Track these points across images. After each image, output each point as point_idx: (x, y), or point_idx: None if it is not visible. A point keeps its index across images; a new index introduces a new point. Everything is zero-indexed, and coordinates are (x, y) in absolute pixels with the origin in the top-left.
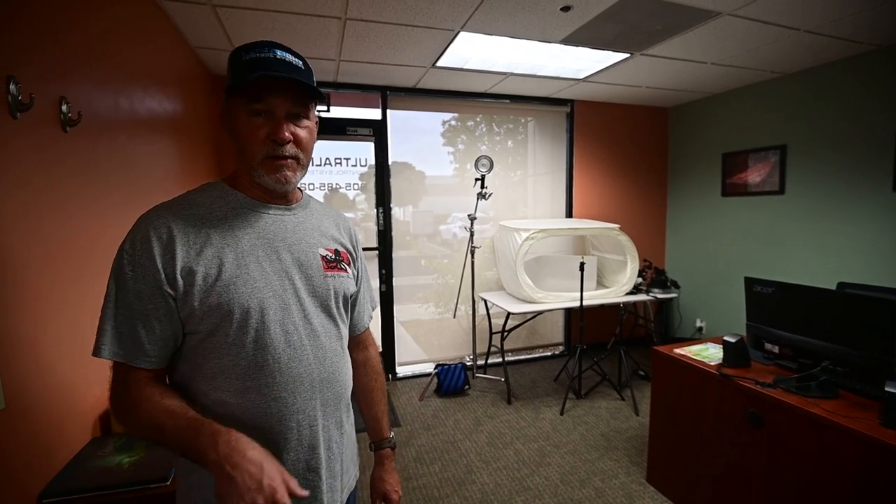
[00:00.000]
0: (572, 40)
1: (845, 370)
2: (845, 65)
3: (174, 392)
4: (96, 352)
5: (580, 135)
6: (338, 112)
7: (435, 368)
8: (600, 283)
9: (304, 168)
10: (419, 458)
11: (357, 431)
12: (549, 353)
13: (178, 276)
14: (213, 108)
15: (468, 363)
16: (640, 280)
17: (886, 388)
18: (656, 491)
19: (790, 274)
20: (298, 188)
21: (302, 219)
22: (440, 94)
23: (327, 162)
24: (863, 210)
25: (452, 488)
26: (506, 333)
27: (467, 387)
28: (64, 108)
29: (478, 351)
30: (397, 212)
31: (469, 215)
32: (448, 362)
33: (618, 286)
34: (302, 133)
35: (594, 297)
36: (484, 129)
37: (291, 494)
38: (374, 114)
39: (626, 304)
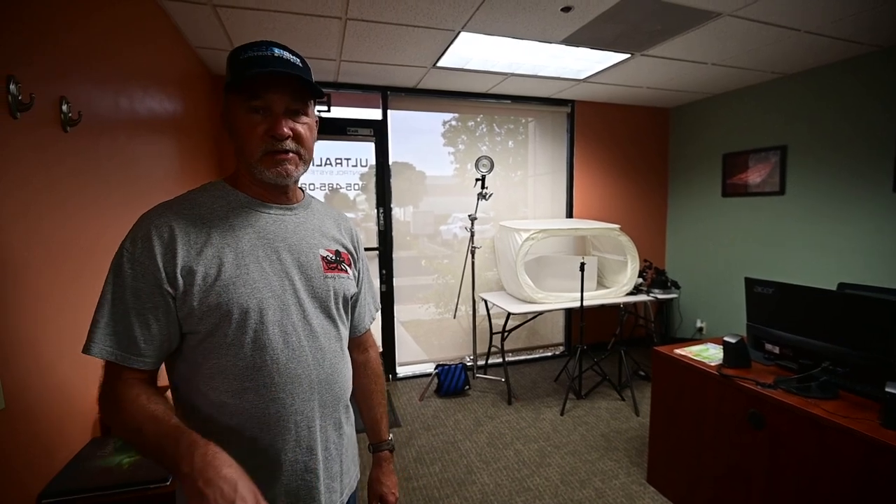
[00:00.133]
0: (573, 41)
1: (845, 371)
2: (846, 65)
3: (162, 397)
4: (86, 349)
5: (581, 135)
6: (338, 112)
7: (435, 369)
8: (601, 284)
9: (306, 163)
10: (419, 458)
11: (357, 432)
12: (549, 354)
13: (179, 276)
14: (214, 107)
15: (468, 363)
16: (640, 280)
17: (887, 389)
18: (657, 491)
19: (790, 274)
20: (300, 188)
21: (303, 219)
22: (441, 94)
23: (328, 162)
24: (863, 211)
25: (453, 489)
26: (506, 334)
27: (467, 387)
28: (64, 107)
29: (478, 351)
30: (398, 212)
31: (469, 215)
32: (448, 363)
33: (618, 286)
34: (301, 129)
35: (594, 297)
36: (484, 130)
37: None
38: (374, 114)
39: (626, 304)
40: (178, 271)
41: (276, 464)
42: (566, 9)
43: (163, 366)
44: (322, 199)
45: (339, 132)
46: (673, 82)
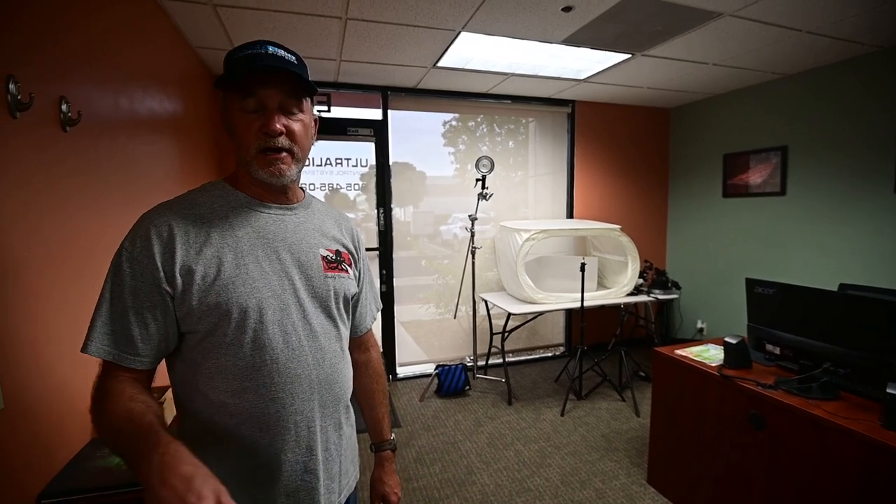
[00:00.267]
0: (573, 41)
1: (846, 371)
2: (846, 66)
3: (149, 397)
4: (84, 348)
5: (581, 135)
6: (338, 112)
7: (435, 369)
8: (601, 284)
9: (300, 162)
10: (419, 458)
11: (357, 432)
12: (549, 354)
13: (178, 275)
14: (214, 107)
15: (469, 364)
16: (640, 281)
17: (888, 390)
18: (657, 492)
19: (791, 275)
20: (301, 188)
21: (303, 219)
22: (441, 94)
23: (328, 162)
24: (864, 211)
25: (453, 489)
26: (506, 334)
27: (468, 387)
28: (64, 107)
29: (478, 352)
30: (398, 212)
31: (470, 216)
32: (448, 363)
33: (618, 287)
34: (295, 126)
35: (595, 297)
36: (485, 130)
37: None
38: (374, 114)
39: (626, 304)
40: (177, 271)
41: (275, 464)
42: (567, 9)
43: (164, 366)
44: (322, 199)
45: (339, 132)
46: (673, 82)
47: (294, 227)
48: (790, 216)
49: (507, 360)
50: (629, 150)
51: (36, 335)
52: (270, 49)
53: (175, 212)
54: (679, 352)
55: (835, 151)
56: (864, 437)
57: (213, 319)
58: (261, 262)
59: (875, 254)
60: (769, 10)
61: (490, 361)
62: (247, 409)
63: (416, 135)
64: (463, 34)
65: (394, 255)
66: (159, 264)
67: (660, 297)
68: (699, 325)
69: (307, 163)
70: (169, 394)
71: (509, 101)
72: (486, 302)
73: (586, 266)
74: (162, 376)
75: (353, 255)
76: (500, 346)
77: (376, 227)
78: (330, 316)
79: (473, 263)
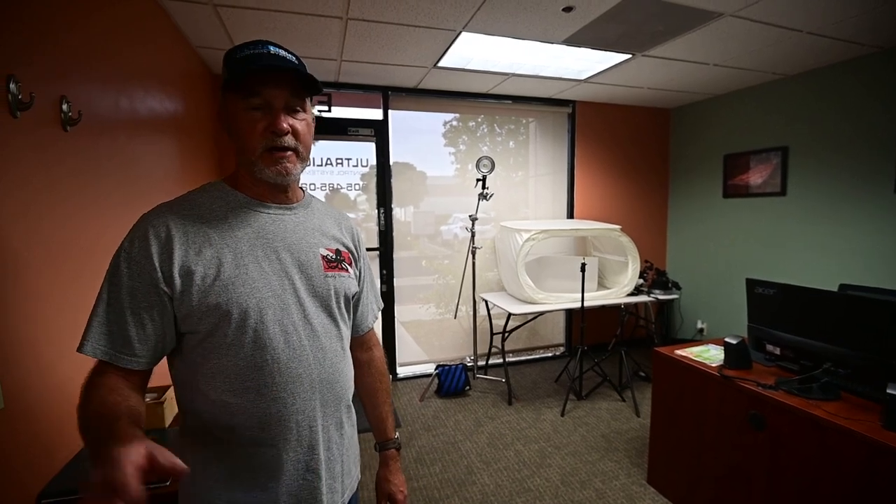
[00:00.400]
0: (574, 41)
1: (847, 372)
2: (847, 66)
3: (133, 395)
4: (80, 347)
5: (581, 136)
6: (339, 112)
7: (436, 369)
8: (601, 284)
9: (304, 161)
10: (420, 458)
11: (359, 432)
12: (549, 354)
13: (176, 276)
14: (215, 107)
15: (469, 364)
16: (641, 281)
17: (888, 391)
18: (657, 492)
19: (791, 275)
20: (301, 188)
21: (303, 218)
22: (441, 94)
23: (328, 162)
24: (864, 212)
25: (453, 489)
26: (507, 334)
27: (468, 388)
28: (64, 107)
29: (478, 352)
30: (398, 212)
31: (470, 216)
32: (449, 363)
33: (619, 287)
34: (300, 126)
35: (595, 298)
36: (485, 130)
37: (172, 476)
38: (375, 114)
39: (627, 305)
40: (176, 271)
41: (277, 463)
42: (567, 9)
43: (164, 366)
44: (322, 199)
45: (339, 132)
46: (674, 83)
47: (294, 226)
48: (790, 216)
49: (507, 360)
50: (630, 150)
51: (36, 335)
52: (272, 49)
53: (174, 212)
54: (679, 352)
55: (835, 152)
56: (865, 437)
57: (214, 320)
58: (260, 262)
59: (875, 254)
60: (770, 11)
61: (490, 361)
62: (248, 409)
63: (417, 135)
64: (463, 34)
65: (394, 255)
66: (157, 265)
67: (660, 297)
68: (699, 325)
69: (308, 162)
70: (169, 393)
71: (510, 102)
72: (486, 302)
73: (587, 266)
74: (163, 376)
75: (353, 255)
76: (500, 346)
77: (377, 227)
78: (331, 315)
79: (474, 263)
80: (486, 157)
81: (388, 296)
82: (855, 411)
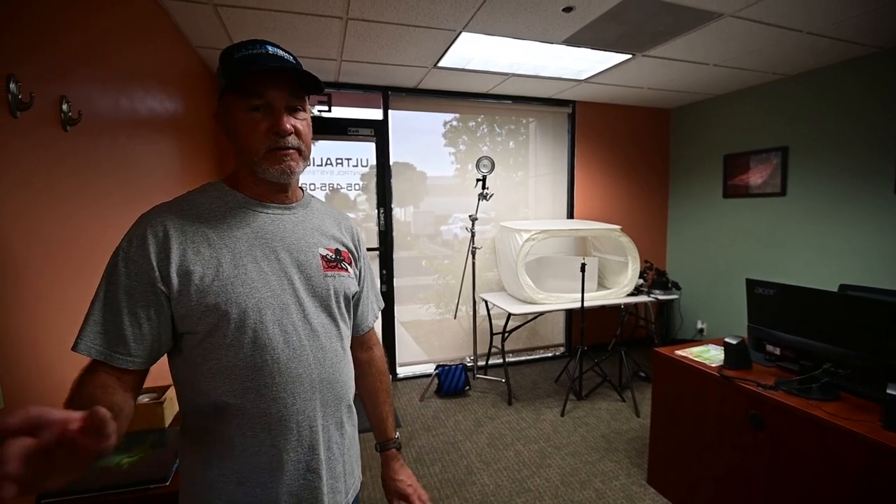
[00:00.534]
0: (574, 41)
1: (847, 372)
2: (847, 67)
3: (119, 395)
4: (74, 346)
5: (582, 136)
6: (339, 112)
7: (435, 369)
8: (601, 285)
9: (306, 160)
10: (419, 458)
11: (360, 432)
12: (549, 355)
13: (174, 275)
14: (214, 107)
15: (469, 364)
16: (641, 281)
17: (888, 391)
18: (657, 493)
19: (791, 276)
20: (300, 187)
21: (302, 218)
22: (442, 94)
23: (328, 162)
24: (864, 212)
25: (453, 489)
26: (506, 334)
27: (468, 388)
28: (64, 107)
29: (478, 352)
30: (398, 212)
31: (470, 216)
32: (449, 363)
33: (619, 287)
34: (300, 125)
35: (595, 298)
36: (485, 130)
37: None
38: (375, 114)
39: (627, 305)
40: (174, 271)
41: (277, 463)
42: (567, 9)
43: (165, 366)
44: (322, 199)
45: (339, 132)
46: (674, 83)
47: (293, 226)
48: (790, 217)
49: (507, 360)
50: (630, 150)
51: (36, 335)
52: (269, 49)
53: (173, 212)
54: (679, 352)
55: (835, 152)
56: (865, 437)
57: (213, 320)
58: (259, 262)
59: (875, 254)
60: (770, 11)
61: (490, 361)
62: (248, 409)
63: (417, 135)
64: (464, 34)
65: (394, 255)
66: (154, 264)
67: (660, 297)
68: (699, 325)
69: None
70: (169, 393)
71: (510, 102)
72: (486, 302)
73: (586, 266)
74: (163, 375)
75: (353, 254)
76: (500, 347)
77: (376, 227)
78: (330, 315)
79: (474, 263)
80: (486, 158)
81: (388, 296)
82: (855, 412)
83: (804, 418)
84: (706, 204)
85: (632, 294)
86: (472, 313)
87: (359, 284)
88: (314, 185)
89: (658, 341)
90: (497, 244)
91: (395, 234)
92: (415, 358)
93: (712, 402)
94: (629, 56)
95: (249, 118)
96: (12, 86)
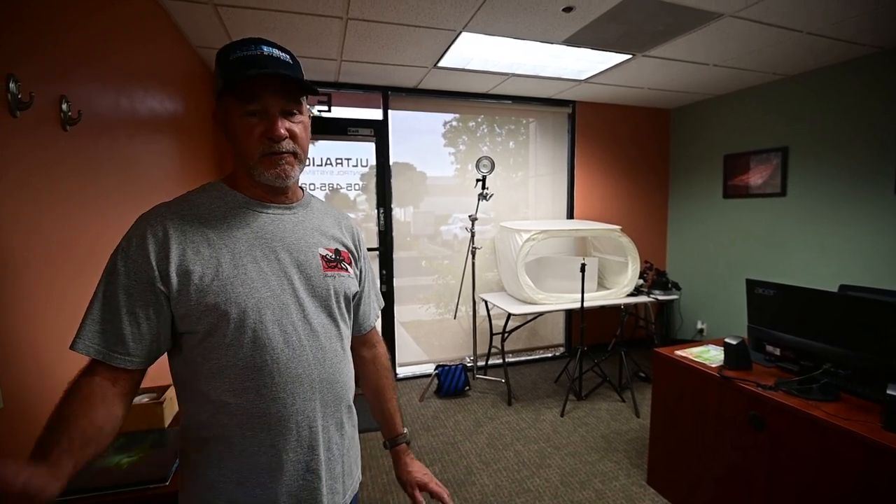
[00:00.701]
0: (574, 41)
1: (847, 373)
2: (847, 67)
3: (109, 408)
4: (72, 345)
5: (582, 136)
6: (339, 112)
7: (435, 369)
8: (601, 285)
9: (303, 163)
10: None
11: (360, 432)
12: (549, 355)
13: (173, 275)
14: (213, 107)
15: (468, 364)
16: (641, 281)
17: (888, 391)
18: (657, 493)
19: (791, 276)
20: (300, 187)
21: (302, 218)
22: (441, 94)
23: (328, 162)
24: (864, 212)
25: (452, 489)
26: (506, 335)
27: (467, 388)
28: (64, 106)
29: (478, 352)
30: (398, 212)
31: (470, 216)
32: (448, 363)
33: (619, 287)
34: (297, 128)
35: (595, 298)
36: (485, 130)
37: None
38: (375, 114)
39: (626, 305)
40: (173, 271)
41: (277, 464)
42: (567, 9)
43: (166, 366)
44: (322, 199)
45: (339, 132)
46: (674, 83)
47: (293, 226)
48: (790, 217)
49: (507, 360)
50: (630, 150)
51: (35, 335)
52: (266, 50)
53: (172, 212)
54: (679, 352)
55: (835, 152)
56: (865, 438)
57: (212, 320)
58: (259, 262)
59: (875, 254)
60: (770, 11)
61: (490, 362)
62: (248, 409)
63: (417, 135)
64: (464, 34)
65: (394, 256)
66: (154, 263)
67: (660, 297)
68: (699, 325)
69: (307, 163)
70: (169, 393)
71: (510, 102)
72: (486, 302)
73: (586, 266)
74: (163, 375)
75: (353, 254)
76: (500, 347)
77: (376, 228)
78: (331, 315)
79: (473, 264)
80: (486, 158)
81: (387, 296)
82: (855, 412)
83: (804, 419)
84: (706, 204)
85: (632, 294)
86: (471, 313)
87: (359, 284)
88: (314, 185)
89: (658, 342)
90: (497, 244)
91: (394, 234)
92: (415, 358)
93: (712, 403)
94: (629, 56)
95: (245, 122)
96: (12, 85)
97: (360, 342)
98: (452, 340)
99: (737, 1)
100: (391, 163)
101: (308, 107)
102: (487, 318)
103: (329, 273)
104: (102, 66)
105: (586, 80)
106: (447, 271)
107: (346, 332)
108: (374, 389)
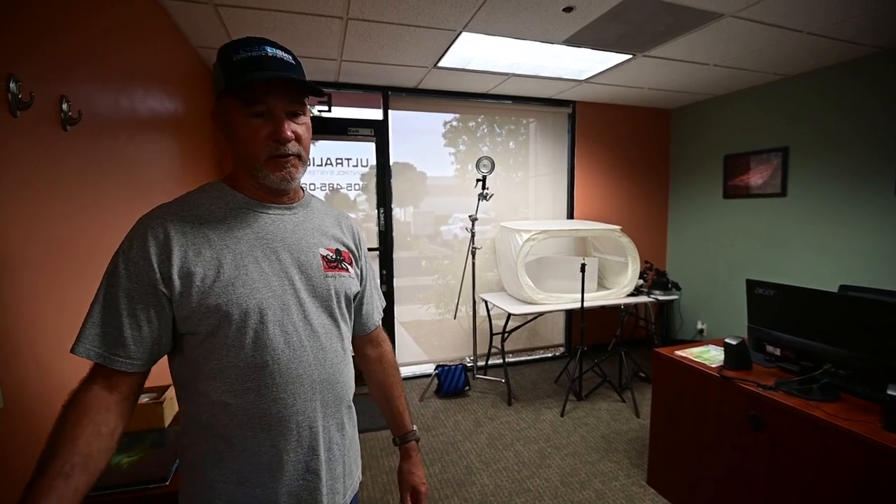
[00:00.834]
0: (575, 41)
1: (847, 373)
2: (847, 67)
3: (110, 423)
4: (73, 348)
5: (582, 136)
6: (339, 112)
7: (435, 369)
8: (601, 285)
9: (306, 164)
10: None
11: (360, 432)
12: (549, 355)
13: (175, 277)
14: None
15: (468, 364)
16: (641, 282)
17: (888, 392)
18: (657, 493)
19: (791, 276)
20: (301, 187)
21: (302, 218)
22: (442, 94)
23: (328, 162)
24: (864, 212)
25: (452, 489)
26: (506, 335)
27: (468, 388)
28: (64, 106)
29: (478, 352)
30: (398, 212)
31: (470, 216)
32: (448, 363)
33: (619, 288)
34: (301, 130)
35: (595, 298)
36: (485, 130)
37: None
38: (375, 114)
39: (626, 305)
40: (175, 273)
41: (277, 464)
42: (568, 9)
43: (166, 365)
44: (322, 199)
45: (339, 132)
46: (675, 83)
47: (293, 227)
48: (790, 217)
49: (507, 360)
50: (630, 150)
51: (35, 335)
52: (270, 50)
53: (173, 214)
54: (679, 353)
55: (836, 152)
56: (865, 438)
57: (214, 321)
58: (260, 263)
59: (875, 255)
60: (771, 11)
61: (490, 362)
62: (248, 410)
63: (417, 135)
64: (464, 34)
65: (394, 256)
66: (155, 266)
67: (660, 297)
68: (699, 325)
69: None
70: (169, 393)
71: (510, 102)
72: (486, 302)
73: (586, 267)
74: (163, 375)
75: (353, 254)
76: (500, 347)
77: (376, 228)
78: (331, 315)
79: (473, 264)
80: (486, 158)
81: (388, 296)
82: (855, 412)
83: (804, 419)
84: (706, 204)
85: (632, 294)
86: (471, 313)
87: (361, 284)
88: (314, 185)
89: (658, 342)
90: (497, 244)
91: (395, 234)
92: (415, 358)
93: (712, 403)
94: (629, 56)
95: (250, 123)
96: (12, 85)
97: (365, 341)
98: (452, 340)
99: (737, 1)
100: (391, 163)
101: (308, 107)
102: (487, 318)
103: (330, 273)
104: (103, 66)
105: (586, 80)
106: (447, 271)
107: (347, 333)
108: (381, 387)
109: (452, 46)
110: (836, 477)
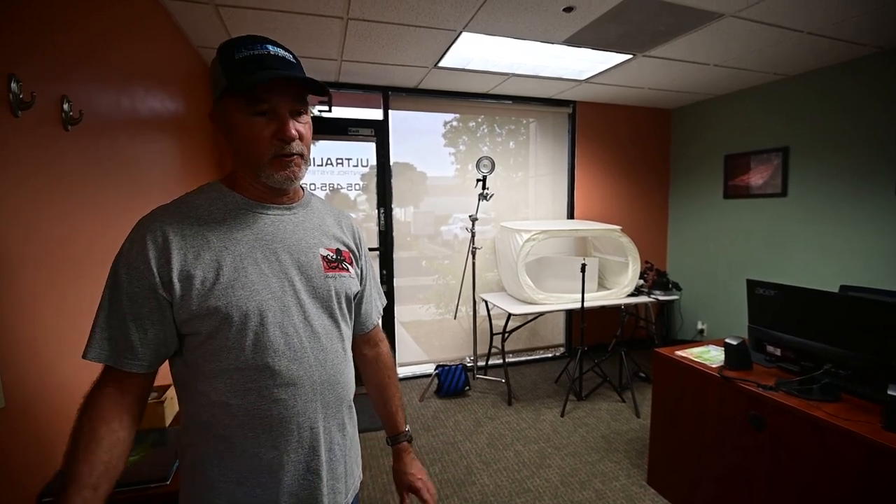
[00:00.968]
0: (575, 41)
1: (847, 373)
2: (847, 67)
3: (125, 425)
4: (84, 354)
5: (582, 136)
6: (339, 112)
7: (435, 369)
8: (601, 285)
9: (308, 163)
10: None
11: (360, 432)
12: (549, 355)
13: (175, 281)
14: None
15: (469, 364)
16: (641, 282)
17: (888, 392)
18: (657, 493)
19: (792, 276)
20: (301, 186)
21: (302, 218)
22: (442, 94)
23: (328, 162)
24: (864, 212)
25: (452, 489)
26: (506, 335)
27: (468, 388)
28: (65, 106)
29: (478, 352)
30: (398, 212)
31: (470, 216)
32: (448, 363)
33: (619, 288)
34: (304, 129)
35: (595, 298)
36: (485, 130)
37: None
38: (375, 114)
39: (627, 305)
40: (175, 276)
41: (278, 464)
42: (568, 9)
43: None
44: (322, 198)
45: (339, 132)
46: (675, 83)
47: (293, 227)
48: (791, 217)
49: (507, 360)
50: (630, 150)
51: (35, 334)
52: (271, 49)
53: (171, 216)
54: (679, 353)
55: (836, 152)
56: (865, 438)
57: (214, 323)
58: (260, 264)
59: (876, 255)
60: (771, 11)
61: (490, 362)
62: (249, 411)
63: (417, 135)
64: (464, 34)
65: (394, 256)
66: (155, 270)
67: (660, 297)
68: (700, 326)
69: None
70: (170, 392)
71: (510, 102)
72: (486, 302)
73: (587, 267)
74: (163, 375)
75: (354, 254)
76: (500, 347)
77: (377, 228)
78: (332, 316)
79: (474, 264)
80: (487, 158)
81: (388, 296)
82: (855, 412)
83: (804, 419)
84: (706, 204)
85: (632, 294)
86: (472, 313)
87: (361, 283)
88: (314, 185)
89: (658, 342)
90: (497, 244)
91: (395, 234)
92: (415, 358)
93: (712, 403)
94: (630, 56)
95: (253, 123)
96: (13, 85)
97: (362, 341)
98: (452, 340)
99: (737, 1)
100: (391, 163)
101: (309, 106)
102: (487, 318)
103: (330, 274)
104: (103, 66)
105: (587, 80)
106: (447, 271)
107: (347, 333)
108: (376, 387)
109: (453, 46)
110: (836, 477)
